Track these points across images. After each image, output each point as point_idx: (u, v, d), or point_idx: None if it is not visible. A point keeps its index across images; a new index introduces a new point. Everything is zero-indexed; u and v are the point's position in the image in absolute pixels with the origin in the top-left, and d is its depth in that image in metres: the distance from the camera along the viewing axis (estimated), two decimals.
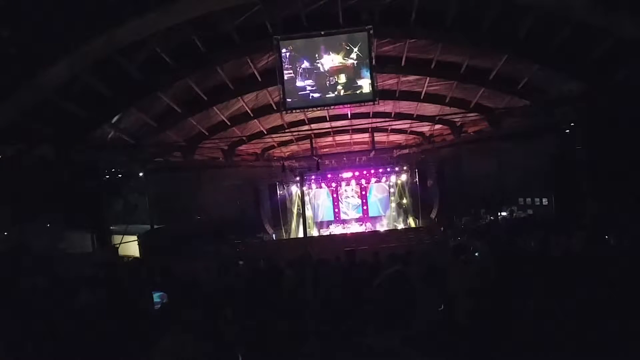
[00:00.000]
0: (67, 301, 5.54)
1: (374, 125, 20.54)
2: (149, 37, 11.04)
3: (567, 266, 5.23)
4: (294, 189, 24.20)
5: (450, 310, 3.63)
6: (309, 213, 24.15)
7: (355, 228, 24.40)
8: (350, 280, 5.13)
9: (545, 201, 18.41)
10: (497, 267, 4.97)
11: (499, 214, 19.18)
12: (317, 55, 14.00)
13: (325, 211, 25.72)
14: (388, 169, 24.60)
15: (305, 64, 14.03)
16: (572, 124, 14.95)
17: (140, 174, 16.40)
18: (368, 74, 14.10)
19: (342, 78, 14.25)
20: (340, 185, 25.26)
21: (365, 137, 22.21)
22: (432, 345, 2.35)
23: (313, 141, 20.45)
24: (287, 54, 13.76)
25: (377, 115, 19.05)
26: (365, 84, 14.28)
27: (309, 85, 14.35)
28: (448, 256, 6.48)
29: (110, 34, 10.03)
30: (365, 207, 25.72)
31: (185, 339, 2.96)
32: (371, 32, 13.17)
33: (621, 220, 10.29)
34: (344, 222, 25.45)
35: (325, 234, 24.41)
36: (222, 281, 6.15)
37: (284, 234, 23.51)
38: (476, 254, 6.92)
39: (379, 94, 14.58)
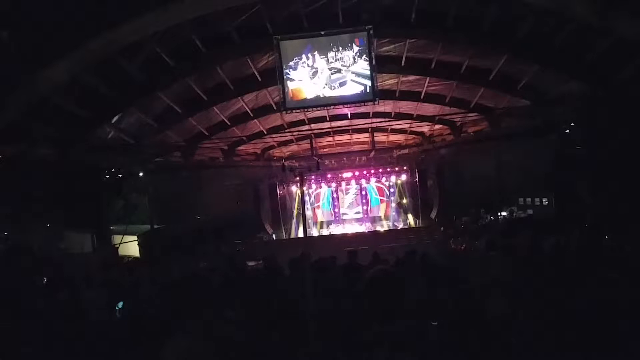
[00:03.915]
0: (68, 301, 5.54)
1: (374, 125, 20.54)
2: (149, 37, 11.04)
3: (565, 266, 5.23)
4: (294, 189, 24.21)
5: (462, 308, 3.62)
6: (309, 213, 24.18)
7: (355, 228, 24.41)
8: (350, 280, 5.14)
9: (545, 201, 18.43)
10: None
11: (499, 214, 19.19)
12: (311, 56, 13.99)
13: (325, 211, 25.74)
14: (388, 169, 24.61)
15: (299, 66, 14.02)
16: (572, 124, 14.96)
17: (140, 174, 16.40)
18: (368, 74, 14.11)
19: (341, 79, 14.25)
20: (340, 185, 25.27)
21: (365, 137, 22.21)
22: (424, 347, 2.35)
23: (313, 141, 20.45)
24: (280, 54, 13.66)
25: (377, 115, 19.04)
26: (365, 84, 14.28)
27: (303, 89, 14.35)
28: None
29: (110, 34, 10.02)
30: (365, 207, 25.72)
31: (189, 342, 2.96)
32: (371, 32, 13.17)
33: (621, 220, 10.29)
34: (344, 222, 25.47)
35: (325, 234, 24.43)
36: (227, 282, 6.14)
37: (284, 234, 23.52)
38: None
39: (379, 94, 14.58)
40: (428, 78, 15.75)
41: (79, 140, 13.30)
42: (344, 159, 23.96)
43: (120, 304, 5.21)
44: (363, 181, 25.18)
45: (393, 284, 2.44)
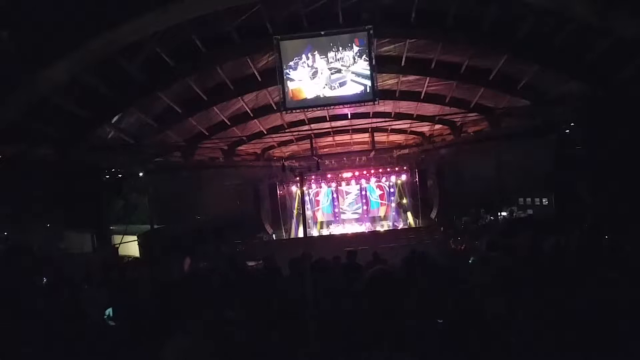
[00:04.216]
0: (68, 301, 5.54)
1: (374, 125, 20.55)
2: (149, 37, 11.04)
3: (565, 266, 5.23)
4: (294, 189, 24.22)
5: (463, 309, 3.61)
6: (309, 213, 24.19)
7: (355, 228, 24.42)
8: (350, 280, 5.14)
9: (545, 201, 18.44)
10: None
11: (499, 214, 19.19)
12: (311, 56, 13.99)
13: (325, 211, 25.75)
14: (388, 169, 24.62)
15: (299, 66, 14.02)
16: (572, 124, 14.96)
17: (140, 174, 16.40)
18: (368, 74, 14.11)
19: (341, 79, 14.26)
20: (341, 185, 25.28)
21: (365, 137, 22.21)
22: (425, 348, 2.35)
23: (313, 141, 20.46)
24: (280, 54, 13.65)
25: (377, 115, 19.05)
26: (365, 84, 14.28)
27: (303, 89, 14.36)
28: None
29: (110, 34, 10.02)
30: (365, 207, 25.72)
31: (189, 342, 2.96)
32: (371, 32, 13.17)
33: (621, 220, 10.28)
34: (344, 222, 25.47)
35: (325, 234, 24.43)
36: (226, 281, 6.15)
37: (284, 234, 23.52)
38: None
39: (379, 94, 14.58)
40: (428, 78, 15.75)
41: (79, 140, 13.29)
42: (344, 159, 23.97)
43: (109, 311, 5.16)
44: (363, 181, 25.19)
45: (392, 284, 2.44)
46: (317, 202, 25.50)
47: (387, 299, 2.39)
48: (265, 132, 19.73)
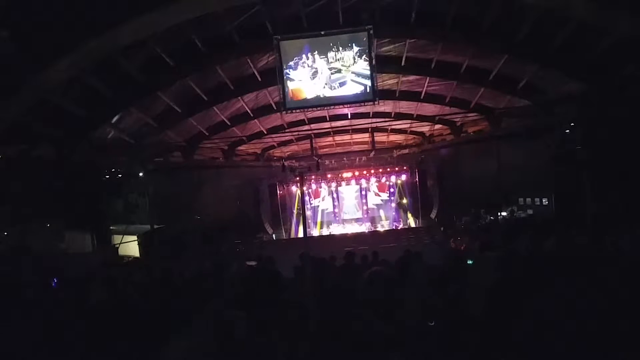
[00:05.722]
0: (68, 301, 5.55)
1: (374, 125, 20.58)
2: (149, 37, 11.05)
3: (565, 266, 5.23)
4: (294, 189, 24.21)
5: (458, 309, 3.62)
6: (309, 213, 24.16)
7: (355, 228, 24.41)
8: (349, 281, 5.14)
9: (545, 201, 18.43)
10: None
11: (499, 214, 19.18)
12: (311, 56, 13.99)
13: (325, 211, 25.72)
14: (388, 169, 24.61)
15: (299, 66, 14.03)
16: (572, 124, 14.96)
17: (140, 174, 16.39)
18: (368, 74, 14.11)
19: (341, 79, 14.27)
20: (341, 185, 25.26)
21: (365, 137, 22.23)
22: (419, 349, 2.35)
23: (313, 141, 20.48)
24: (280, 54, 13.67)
25: (377, 115, 19.07)
26: (365, 84, 14.28)
27: (303, 89, 14.37)
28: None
29: (110, 34, 10.03)
30: (365, 207, 25.71)
31: (189, 342, 2.96)
32: (371, 32, 13.18)
33: (621, 220, 10.29)
34: (344, 222, 25.45)
35: (325, 234, 24.42)
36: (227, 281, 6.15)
37: (284, 234, 23.52)
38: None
39: (379, 94, 14.59)
40: (428, 78, 15.76)
41: (79, 140, 13.30)
42: (344, 159, 23.96)
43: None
44: (363, 181, 25.18)
45: (390, 285, 2.45)
46: (317, 201, 25.49)
47: (385, 299, 2.39)
48: (265, 132, 19.75)
